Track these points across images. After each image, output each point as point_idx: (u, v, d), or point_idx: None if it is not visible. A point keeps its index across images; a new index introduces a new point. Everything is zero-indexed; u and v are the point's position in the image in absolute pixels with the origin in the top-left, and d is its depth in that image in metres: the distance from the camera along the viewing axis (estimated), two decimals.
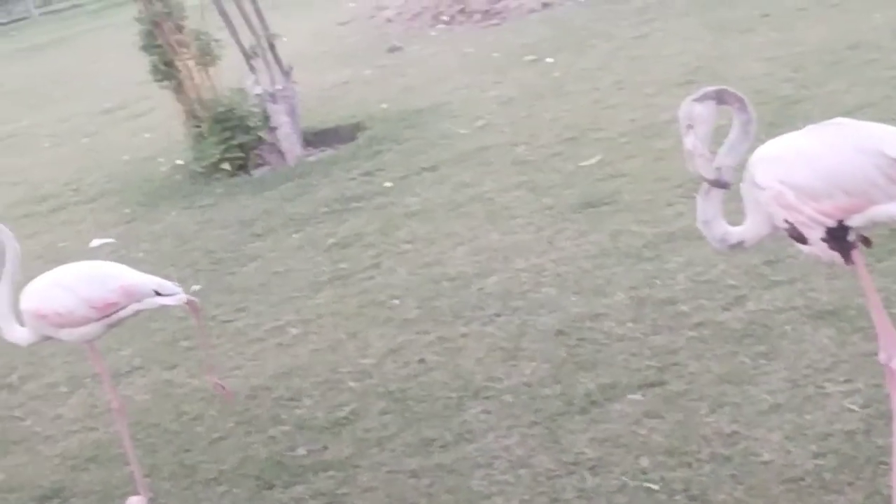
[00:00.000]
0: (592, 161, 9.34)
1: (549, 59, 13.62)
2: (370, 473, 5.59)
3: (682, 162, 8.44)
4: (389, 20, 19.59)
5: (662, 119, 9.94)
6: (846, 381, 5.22)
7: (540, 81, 12.67)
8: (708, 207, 4.22)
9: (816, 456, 4.73)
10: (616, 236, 7.63)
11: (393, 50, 17.07)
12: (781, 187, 3.98)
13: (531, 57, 14.00)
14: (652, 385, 5.66)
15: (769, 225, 4.15)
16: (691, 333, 6.06)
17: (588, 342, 6.29)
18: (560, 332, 6.48)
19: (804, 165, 3.97)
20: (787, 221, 4.04)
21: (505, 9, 17.25)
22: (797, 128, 4.19)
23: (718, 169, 4.14)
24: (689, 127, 4.10)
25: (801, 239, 4.07)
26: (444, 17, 18.10)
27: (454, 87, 13.40)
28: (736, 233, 4.24)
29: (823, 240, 4.01)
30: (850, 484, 4.51)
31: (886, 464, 4.49)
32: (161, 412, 6.85)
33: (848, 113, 8.57)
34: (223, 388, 6.34)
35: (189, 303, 5.96)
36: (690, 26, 13.33)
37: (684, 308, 6.35)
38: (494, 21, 17.02)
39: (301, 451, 5.98)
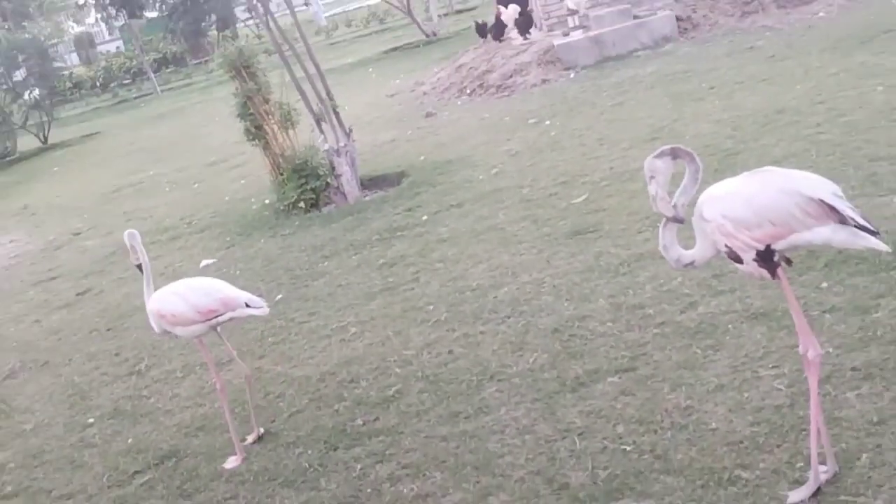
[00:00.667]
0: (580, 199, 9.31)
1: (547, 122, 13.59)
2: (411, 438, 5.59)
3: (649, 201, 8.50)
4: (425, 93, 19.60)
5: (634, 167, 9.91)
6: (775, 367, 5.19)
7: (540, 139, 12.65)
8: (666, 236, 4.23)
9: (752, 424, 4.71)
10: (599, 256, 7.61)
11: (428, 115, 17.08)
12: (723, 220, 4.00)
13: (534, 120, 13.97)
14: (626, 370, 5.64)
15: (713, 249, 4.16)
16: (656, 331, 6.04)
17: (577, 338, 6.27)
18: (556, 330, 6.47)
19: (741, 203, 3.98)
20: (727, 246, 4.06)
21: (514, 83, 17.24)
22: (736, 174, 4.20)
23: (675, 206, 4.14)
24: (652, 177, 4.14)
25: (738, 259, 4.08)
26: (468, 91, 18.11)
27: (475, 144, 13.39)
28: (688, 255, 4.25)
29: (755, 260, 4.02)
30: (778, 446, 4.49)
31: (807, 430, 4.47)
32: (252, 391, 6.87)
33: (776, 162, 8.55)
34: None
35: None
36: (655, 96, 13.27)
37: (650, 311, 6.33)
38: (505, 93, 17.00)
39: (358, 421, 5.99)
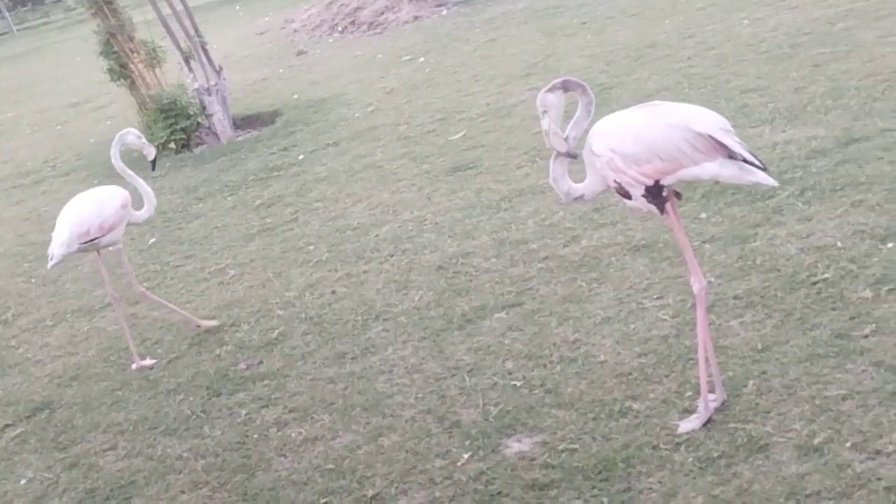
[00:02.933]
0: (458, 136, 9.19)
1: (421, 59, 13.39)
2: (297, 381, 5.43)
3: (527, 135, 8.43)
4: (296, 31, 19.12)
5: (510, 103, 9.84)
6: (658, 298, 5.18)
7: (415, 76, 12.45)
8: (557, 169, 4.11)
9: (640, 356, 4.69)
10: (479, 193, 7.51)
11: (300, 54, 16.68)
12: (612, 155, 3.91)
13: (407, 57, 13.75)
14: (513, 306, 5.56)
15: (603, 184, 4.07)
16: (540, 265, 5.98)
17: (462, 274, 6.17)
18: (440, 268, 6.35)
19: (630, 137, 3.89)
20: (615, 181, 3.96)
21: (386, 21, 16.95)
22: (613, 108, 4.14)
23: (567, 140, 4.03)
24: (544, 112, 4.02)
25: (627, 195, 4.00)
26: (339, 28, 17.73)
27: (349, 81, 13.11)
28: (578, 188, 4.15)
29: (643, 196, 3.95)
30: (666, 376, 4.47)
31: (693, 359, 4.47)
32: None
33: (649, 95, 8.57)
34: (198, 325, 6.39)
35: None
36: (528, 32, 13.20)
37: (534, 246, 6.26)
38: (378, 31, 16.70)
39: (242, 365, 5.79)
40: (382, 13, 17.23)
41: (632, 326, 4.97)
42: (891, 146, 6.10)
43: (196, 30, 11.89)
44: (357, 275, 6.63)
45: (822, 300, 4.66)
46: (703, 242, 5.60)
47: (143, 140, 6.46)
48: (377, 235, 7.25)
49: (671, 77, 9.08)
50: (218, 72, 11.89)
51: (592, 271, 5.70)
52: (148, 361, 6.17)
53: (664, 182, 3.89)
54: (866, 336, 4.28)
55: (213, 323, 6.43)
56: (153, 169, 6.85)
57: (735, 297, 4.92)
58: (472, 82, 11.23)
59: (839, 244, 5.12)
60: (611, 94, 9.00)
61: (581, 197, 4.16)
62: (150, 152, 6.48)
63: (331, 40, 17.33)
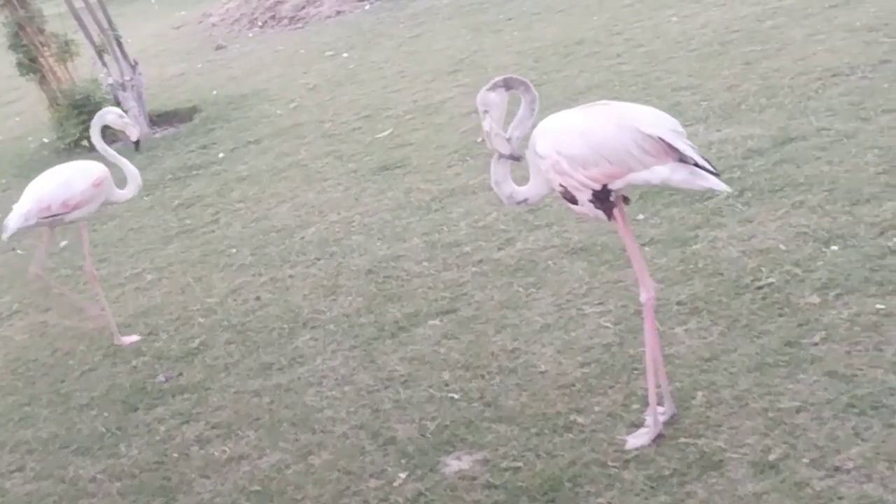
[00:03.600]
0: (385, 133, 8.93)
1: (344, 54, 13.09)
2: (220, 394, 5.12)
3: (457, 133, 8.20)
4: (214, 24, 18.64)
5: (438, 100, 9.60)
6: (599, 304, 4.98)
7: (339, 72, 12.15)
8: (499, 171, 3.86)
9: (582, 365, 4.48)
10: (409, 193, 7.26)
11: (219, 48, 16.23)
12: (558, 157, 3.68)
13: (330, 52, 13.44)
14: (447, 312, 5.33)
15: (548, 187, 3.84)
16: (474, 269, 5.75)
17: (393, 279, 5.92)
18: (370, 272, 6.09)
19: (577, 138, 3.67)
20: (561, 185, 3.74)
21: (307, 15, 16.59)
22: (543, 106, 3.90)
23: (510, 140, 3.78)
24: (486, 112, 3.75)
25: (573, 200, 3.77)
26: (259, 22, 17.31)
27: (270, 77, 12.75)
28: (521, 192, 3.91)
29: (590, 201, 3.73)
30: (611, 387, 4.27)
31: (638, 369, 4.29)
32: (38, 349, 6.24)
33: (580, 93, 8.42)
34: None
35: None
36: (453, 27, 12.98)
37: (467, 249, 6.03)
38: (299, 25, 16.34)
39: (160, 377, 5.46)
40: (304, 7, 16.86)
41: (573, 334, 4.76)
42: (827, 146, 6.00)
43: (110, 23, 11.46)
44: (282, 279, 6.34)
45: (769, 306, 4.50)
46: (643, 245, 5.41)
47: (126, 119, 6.17)
48: (303, 238, 6.95)
49: (601, 74, 8.93)
50: (133, 66, 11.47)
51: (529, 276, 5.49)
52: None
53: (612, 187, 3.68)
54: (816, 344, 4.13)
55: (135, 338, 6.04)
56: (137, 150, 6.48)
57: (679, 303, 4.75)
58: (397, 79, 10.97)
59: (782, 247, 4.98)
60: (540, 92, 8.55)
61: (525, 200, 3.93)
62: (133, 133, 6.19)
63: (251, 35, 16.91)
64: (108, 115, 6.08)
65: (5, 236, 5.74)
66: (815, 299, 4.45)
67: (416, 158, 7.98)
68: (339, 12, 16.30)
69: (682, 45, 9.11)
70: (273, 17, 17.13)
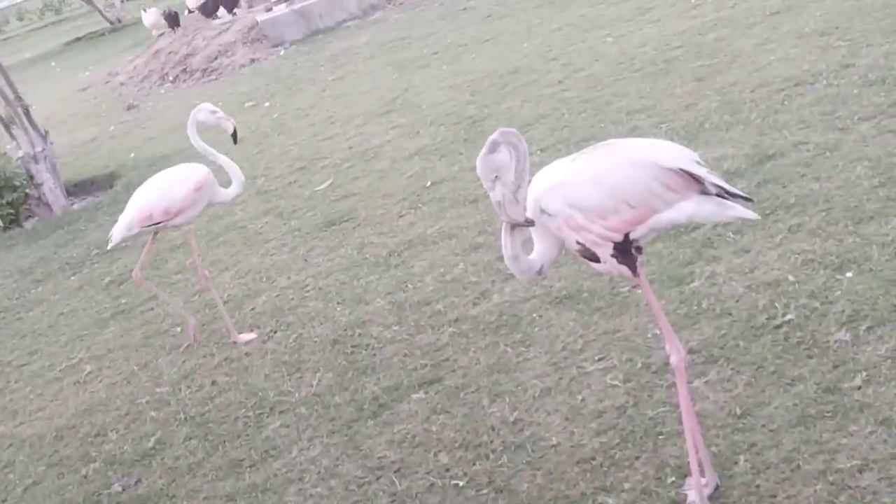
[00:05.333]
0: (325, 185, 8.42)
1: (266, 104, 12.57)
2: (186, 502, 4.54)
3: (402, 179, 7.72)
4: (122, 84, 17.99)
5: (375, 144, 9.13)
6: (601, 359, 4.52)
7: (262, 122, 11.61)
8: (515, 243, 3.32)
9: (598, 434, 4.01)
10: (362, 248, 6.76)
11: (130, 108, 15.60)
12: (571, 210, 3.21)
13: (251, 103, 12.90)
14: (431, 382, 4.82)
15: (558, 248, 3.37)
16: (451, 329, 5.26)
17: (362, 348, 5.40)
18: (335, 342, 5.57)
19: (589, 186, 3.21)
20: (579, 242, 3.27)
21: (220, 65, 16.02)
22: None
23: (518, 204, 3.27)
24: (496, 178, 3.17)
25: (594, 257, 3.31)
26: (170, 77, 16.70)
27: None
28: (535, 261, 3.42)
29: (613, 255, 3.27)
30: (637, 458, 3.80)
31: (663, 434, 3.84)
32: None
33: (526, 125, 8.02)
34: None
35: None
36: (377, 66, 12.54)
37: (439, 307, 5.54)
38: (213, 77, 15.77)
39: (116, 486, 4.88)
40: (216, 58, 16.30)
41: (579, 397, 4.29)
42: (810, 161, 5.66)
43: (15, 93, 10.80)
44: (238, 359, 5.78)
45: (794, 347, 4.09)
46: (634, 288, 4.99)
47: (219, 114, 6.08)
48: (253, 308, 6.41)
49: (545, 103, 8.54)
50: (44, 136, 10.82)
51: (515, 332, 5.01)
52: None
53: (634, 235, 3.24)
54: (859, 387, 3.72)
55: (252, 336, 5.97)
56: (235, 143, 6.57)
57: (691, 352, 4.30)
58: (327, 125, 10.48)
59: (791, 277, 4.58)
60: (484, 126, 8.39)
61: (540, 269, 3.44)
62: (229, 126, 6.11)
63: (162, 91, 16.29)
64: (200, 113, 6.03)
65: (110, 246, 6.12)
66: (845, 335, 4.04)
67: (363, 210, 7.48)
68: (253, 60, 15.79)
69: (624, 66, 8.78)
70: (184, 71, 16.54)
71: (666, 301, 4.77)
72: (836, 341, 4.03)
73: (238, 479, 4.58)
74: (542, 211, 3.28)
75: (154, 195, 5.86)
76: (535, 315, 5.10)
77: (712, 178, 3.23)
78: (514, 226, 3.26)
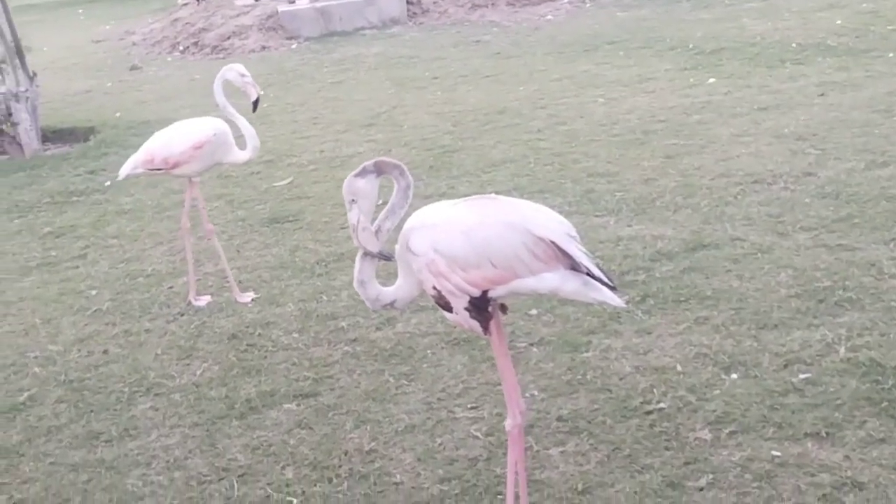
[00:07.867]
0: (284, 182, 8.41)
1: (260, 93, 12.53)
2: (33, 464, 4.52)
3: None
4: (135, 44, 18.00)
5: (346, 153, 9.12)
6: (473, 408, 4.51)
7: (249, 109, 11.57)
8: (365, 270, 3.35)
9: (442, 481, 3.99)
10: (294, 251, 6.74)
11: (134, 68, 15.58)
12: (435, 255, 3.20)
13: None
14: (307, 396, 4.80)
15: (419, 288, 3.36)
16: (346, 348, 5.25)
17: (256, 348, 5.39)
18: (233, 336, 5.55)
19: (459, 235, 3.19)
20: (435, 288, 3.25)
21: (231, 46, 16.02)
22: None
23: (378, 232, 3.30)
24: (353, 201, 3.26)
25: (447, 306, 3.29)
26: (181, 47, 16.70)
27: (179, 106, 12.15)
28: (388, 293, 3.41)
29: (466, 309, 3.25)
30: None
31: (502, 495, 3.80)
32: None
33: (494, 164, 8.02)
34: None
35: None
36: (377, 79, 12.54)
37: (343, 324, 5.52)
38: (221, 55, 15.75)
39: None
40: (229, 38, 16.31)
41: (438, 441, 4.27)
42: (740, 258, 5.65)
43: (13, 32, 10.80)
44: (137, 333, 5.76)
45: (656, 436, 4.07)
46: (531, 345, 4.98)
47: (248, 78, 6.06)
48: (171, 287, 6.39)
49: (518, 148, 8.53)
50: (31, 78, 10.81)
51: (403, 364, 4.99)
52: (204, 299, 6.04)
53: (492, 294, 3.22)
54: (702, 489, 3.71)
55: (251, 296, 6.05)
56: (254, 111, 6.37)
57: (559, 419, 4.29)
58: (309, 124, 10.48)
59: (679, 367, 4.57)
60: (453, 159, 8.37)
61: (392, 303, 3.43)
62: (253, 93, 6.09)
63: (169, 59, 16.30)
64: (229, 72, 6.03)
65: (118, 178, 6.16)
66: (707, 434, 4.03)
67: (310, 214, 7.47)
68: (264, 48, 15.79)
69: (605, 129, 8.78)
70: (196, 44, 16.55)
71: (554, 365, 4.76)
72: (695, 439, 4.01)
73: (90, 451, 4.55)
74: (408, 248, 3.26)
75: (158, 143, 5.93)
76: (428, 351, 5.08)
77: (582, 257, 3.19)
78: (367, 253, 3.26)
